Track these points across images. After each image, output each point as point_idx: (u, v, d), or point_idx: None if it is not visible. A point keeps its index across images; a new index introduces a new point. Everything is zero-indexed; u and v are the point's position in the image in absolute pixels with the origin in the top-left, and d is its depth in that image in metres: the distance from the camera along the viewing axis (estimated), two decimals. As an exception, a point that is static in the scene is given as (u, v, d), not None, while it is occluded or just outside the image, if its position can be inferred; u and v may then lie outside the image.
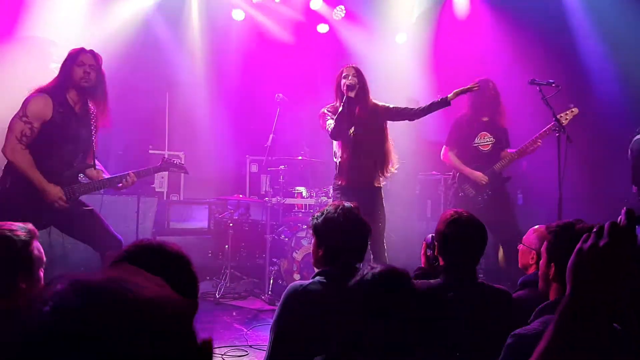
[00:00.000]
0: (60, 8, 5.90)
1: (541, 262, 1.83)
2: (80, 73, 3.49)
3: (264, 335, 4.09)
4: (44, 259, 1.87)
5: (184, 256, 1.40)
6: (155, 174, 6.71)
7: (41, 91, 3.44)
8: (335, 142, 4.29)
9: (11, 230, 1.79)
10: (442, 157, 5.14)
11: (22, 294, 1.73)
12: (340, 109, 4.08)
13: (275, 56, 7.62)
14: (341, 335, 2.10)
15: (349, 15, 7.49)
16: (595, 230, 0.96)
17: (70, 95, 3.52)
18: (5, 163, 3.45)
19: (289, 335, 2.10)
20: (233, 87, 7.58)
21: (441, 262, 2.28)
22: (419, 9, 7.34)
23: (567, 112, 4.44)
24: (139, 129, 7.05)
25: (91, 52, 3.56)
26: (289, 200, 5.74)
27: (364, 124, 4.17)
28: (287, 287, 2.21)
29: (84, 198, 3.75)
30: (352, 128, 4.17)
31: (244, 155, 7.33)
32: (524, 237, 2.71)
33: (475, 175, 4.86)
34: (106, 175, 3.77)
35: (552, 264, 1.75)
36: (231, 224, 5.68)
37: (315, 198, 5.67)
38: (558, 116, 4.30)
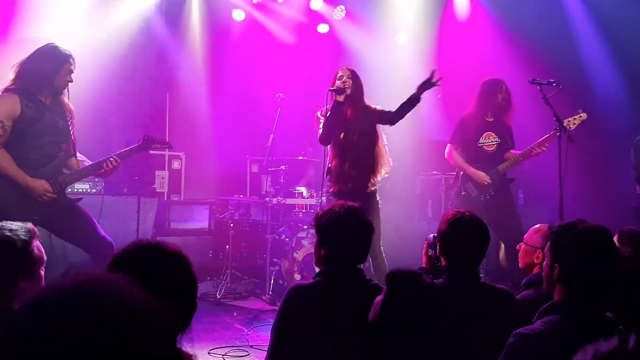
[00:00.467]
0: (59, 8, 5.90)
1: (545, 263, 1.82)
2: (63, 82, 3.55)
3: (265, 335, 4.08)
4: (45, 258, 1.87)
5: (183, 256, 1.40)
6: (156, 174, 6.71)
7: (7, 90, 3.45)
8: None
9: (11, 230, 1.79)
10: (446, 156, 5.11)
11: (22, 293, 1.73)
12: (329, 114, 4.04)
13: (275, 56, 7.61)
14: (342, 335, 2.10)
15: (349, 15, 7.48)
16: None
17: (41, 91, 3.52)
18: None
19: (290, 336, 2.10)
20: (233, 87, 7.57)
21: (443, 262, 2.27)
22: (420, 9, 7.33)
23: (575, 117, 4.41)
24: (139, 129, 7.03)
25: (72, 57, 3.58)
26: (289, 201, 5.74)
27: (355, 128, 4.12)
28: (288, 287, 2.20)
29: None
30: (342, 133, 4.12)
31: (245, 155, 7.32)
32: (526, 236, 2.69)
33: (478, 175, 4.84)
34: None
35: (556, 264, 1.74)
36: (232, 224, 5.67)
37: (316, 198, 5.67)
38: (566, 120, 4.28)
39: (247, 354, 3.78)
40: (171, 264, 1.37)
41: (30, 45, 5.30)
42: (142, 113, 6.99)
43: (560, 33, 6.47)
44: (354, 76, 4.20)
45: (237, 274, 5.73)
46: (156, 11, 6.90)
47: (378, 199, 4.31)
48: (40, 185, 3.43)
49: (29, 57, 3.51)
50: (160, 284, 1.23)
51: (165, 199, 6.71)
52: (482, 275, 2.31)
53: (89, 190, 5.42)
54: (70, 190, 3.78)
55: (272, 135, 5.56)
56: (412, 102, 4.13)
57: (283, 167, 5.65)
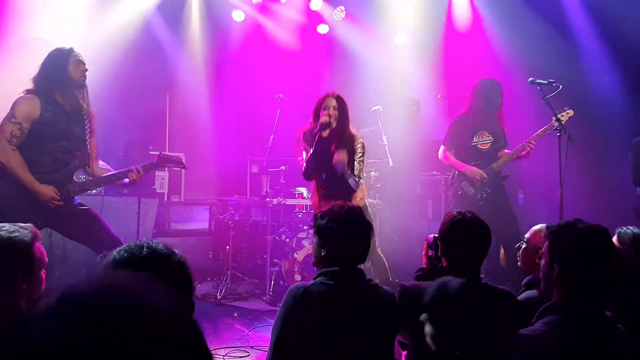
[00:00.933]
0: (60, 9, 5.91)
1: (543, 263, 1.82)
2: (79, 71, 3.53)
3: (265, 336, 4.09)
4: (46, 260, 1.88)
5: (175, 256, 1.40)
6: (156, 175, 6.71)
7: (29, 92, 3.46)
8: None
9: (13, 231, 1.79)
10: (439, 157, 5.13)
11: (23, 294, 1.73)
12: (311, 150, 3.90)
13: (275, 57, 7.61)
14: (342, 336, 2.10)
15: (349, 16, 7.48)
16: None
17: (58, 94, 3.51)
18: None
19: (290, 336, 2.10)
20: (233, 87, 7.58)
21: (444, 263, 2.27)
22: (419, 10, 7.33)
23: (563, 114, 4.42)
24: (140, 130, 7.05)
25: (78, 53, 3.58)
26: (289, 201, 5.74)
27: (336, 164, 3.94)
28: (289, 288, 2.20)
29: (82, 199, 3.74)
30: (324, 172, 4.01)
31: (245, 156, 7.32)
32: (528, 236, 2.69)
33: (470, 170, 4.85)
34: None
35: (555, 264, 1.74)
36: (232, 225, 5.67)
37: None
38: (553, 117, 4.29)
39: (248, 354, 3.78)
40: (165, 265, 1.37)
41: (31, 46, 5.33)
42: (143, 114, 7.00)
43: (560, 33, 6.47)
44: (340, 105, 4.00)
45: (238, 274, 5.73)
46: (156, 12, 6.90)
47: (367, 208, 4.23)
48: (48, 191, 3.43)
49: (40, 65, 3.53)
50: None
51: (166, 199, 6.72)
52: (483, 276, 2.30)
53: (89, 191, 5.42)
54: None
55: (272, 136, 5.57)
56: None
57: (283, 167, 5.66)
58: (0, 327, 1.54)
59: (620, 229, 2.41)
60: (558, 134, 4.17)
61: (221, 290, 5.29)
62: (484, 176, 4.82)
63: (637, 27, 5.70)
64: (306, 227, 5.33)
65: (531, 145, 4.65)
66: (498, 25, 6.90)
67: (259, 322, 4.59)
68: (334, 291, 2.14)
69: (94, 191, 5.27)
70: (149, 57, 6.85)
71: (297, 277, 5.19)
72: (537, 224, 2.70)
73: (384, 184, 5.95)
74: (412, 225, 6.60)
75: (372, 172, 5.85)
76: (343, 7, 7.40)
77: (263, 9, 7.46)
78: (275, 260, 5.40)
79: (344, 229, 2.19)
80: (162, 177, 6.86)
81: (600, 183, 6.06)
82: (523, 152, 4.70)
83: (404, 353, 2.29)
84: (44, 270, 1.86)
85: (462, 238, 2.19)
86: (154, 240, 1.45)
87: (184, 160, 6.77)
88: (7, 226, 1.82)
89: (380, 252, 4.28)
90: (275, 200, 5.51)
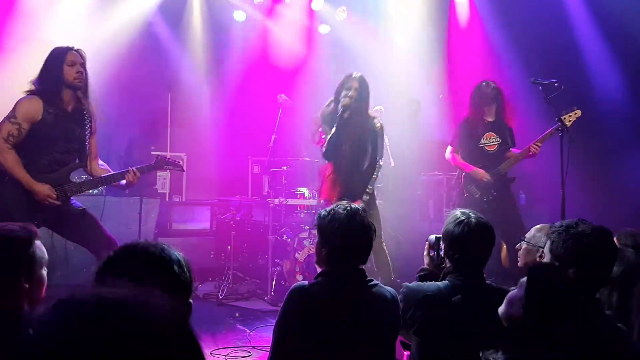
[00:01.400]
0: (63, 9, 5.92)
1: (545, 262, 1.82)
2: (73, 73, 3.49)
3: (267, 336, 4.09)
4: (46, 258, 1.88)
5: (172, 257, 1.39)
6: (158, 175, 6.72)
7: (32, 93, 3.45)
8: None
9: (12, 231, 1.80)
10: (446, 157, 5.12)
11: (25, 294, 1.74)
12: (333, 130, 4.03)
13: (276, 57, 7.62)
14: (344, 336, 2.10)
15: (351, 16, 7.48)
16: None
17: (62, 96, 3.51)
18: None
19: (291, 336, 2.10)
20: (235, 88, 7.59)
21: (448, 264, 2.27)
22: (421, 10, 7.33)
23: (571, 114, 4.40)
24: (141, 130, 7.06)
25: (78, 50, 3.55)
26: (291, 201, 5.73)
27: (356, 142, 4.11)
28: (290, 288, 2.20)
29: (83, 201, 3.74)
30: (343, 146, 4.11)
31: (246, 156, 7.33)
32: (528, 235, 2.69)
33: (477, 172, 4.84)
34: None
35: (556, 264, 1.74)
36: (233, 225, 5.68)
37: (318, 199, 5.66)
38: (561, 117, 4.28)
39: (249, 354, 3.78)
40: (161, 266, 1.37)
41: (32, 46, 5.33)
42: (144, 114, 7.01)
43: (561, 33, 6.46)
44: (362, 87, 4.13)
45: (239, 274, 5.73)
46: (157, 12, 6.91)
47: (375, 198, 4.31)
48: (45, 189, 3.42)
49: (41, 66, 3.51)
50: (152, 285, 1.24)
51: (167, 199, 6.72)
52: (485, 276, 2.30)
53: (90, 191, 5.42)
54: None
55: (273, 136, 5.57)
56: None
57: (285, 167, 5.66)
58: (3, 327, 1.54)
59: (621, 231, 2.40)
60: (560, 134, 4.16)
61: (223, 290, 5.29)
62: (490, 179, 4.81)
63: (639, 25, 5.69)
64: (307, 227, 5.33)
65: (537, 147, 4.64)
66: (499, 25, 6.89)
67: (260, 322, 4.58)
68: (334, 291, 2.14)
69: (96, 191, 5.28)
70: (150, 57, 6.86)
71: (299, 277, 5.19)
72: (539, 223, 2.70)
73: (385, 184, 5.93)
74: (413, 225, 6.59)
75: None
76: (344, 8, 7.40)
77: (264, 9, 7.46)
78: (277, 260, 5.40)
79: (345, 229, 2.19)
80: (163, 177, 6.86)
81: (602, 183, 6.05)
82: (529, 153, 4.69)
83: (406, 353, 2.29)
84: (45, 269, 1.86)
85: (466, 238, 2.18)
86: (153, 241, 1.44)
87: (185, 161, 6.83)
88: (7, 225, 1.82)
89: (385, 249, 4.29)
90: (276, 200, 5.51)
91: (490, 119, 4.91)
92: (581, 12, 6.45)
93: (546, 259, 1.82)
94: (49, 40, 5.24)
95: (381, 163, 4.30)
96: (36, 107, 3.41)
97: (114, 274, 1.29)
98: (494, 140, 4.91)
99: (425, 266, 2.53)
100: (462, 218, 2.23)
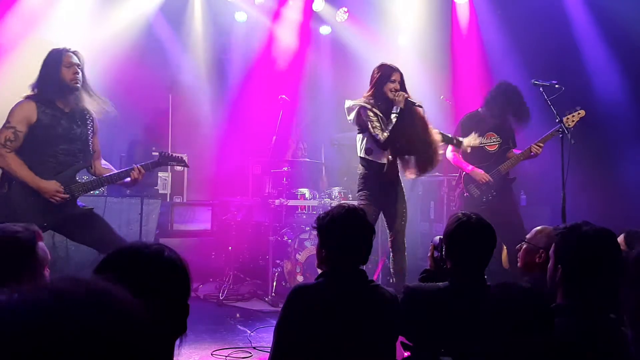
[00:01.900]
0: (63, 10, 5.92)
1: (549, 264, 1.82)
2: (70, 74, 3.49)
3: (267, 336, 4.09)
4: (49, 258, 1.88)
5: (171, 257, 1.39)
6: (159, 176, 6.72)
7: (27, 98, 3.46)
8: (365, 140, 4.24)
9: (15, 231, 1.80)
10: (447, 156, 5.11)
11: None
12: (394, 120, 4.07)
13: (278, 58, 7.62)
14: (344, 336, 2.10)
15: (352, 17, 7.49)
16: None
17: (56, 97, 3.50)
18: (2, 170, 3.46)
19: (292, 337, 2.10)
20: (236, 88, 7.59)
21: (449, 265, 2.27)
22: (422, 11, 7.33)
23: (574, 114, 4.40)
24: (142, 131, 7.07)
25: (74, 52, 3.56)
26: (292, 202, 5.73)
27: (408, 133, 4.16)
28: (291, 289, 2.21)
29: (85, 200, 3.75)
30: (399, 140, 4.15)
31: (247, 156, 7.33)
32: (528, 236, 2.69)
33: (477, 172, 4.84)
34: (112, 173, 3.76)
35: (559, 266, 1.74)
36: (234, 226, 5.68)
37: (319, 199, 5.67)
38: (564, 118, 4.28)
39: (250, 355, 3.78)
40: (162, 267, 1.36)
41: (34, 47, 5.33)
42: (145, 114, 7.02)
43: (562, 34, 6.46)
44: (403, 80, 4.23)
45: (240, 275, 5.73)
46: (159, 13, 6.92)
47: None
48: (51, 186, 3.42)
49: (40, 68, 3.52)
50: (146, 287, 1.24)
51: (168, 200, 6.73)
52: (485, 277, 2.30)
53: (92, 192, 5.43)
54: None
55: (274, 137, 5.57)
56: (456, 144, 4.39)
57: (285, 168, 5.66)
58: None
59: (629, 230, 2.40)
60: (560, 135, 4.16)
61: (223, 291, 5.29)
62: (490, 179, 4.81)
63: (638, 25, 5.69)
64: (308, 228, 5.33)
65: (539, 148, 4.63)
66: (500, 26, 6.89)
67: (261, 323, 4.58)
68: (335, 292, 2.14)
69: (97, 192, 5.28)
70: (151, 58, 6.86)
71: (299, 278, 5.19)
72: (540, 225, 2.70)
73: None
74: (414, 226, 6.59)
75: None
76: (346, 9, 7.39)
77: (266, 10, 7.47)
78: (278, 261, 5.40)
79: (343, 230, 2.19)
80: (164, 178, 6.87)
81: (603, 183, 6.05)
82: (531, 154, 4.69)
83: (407, 354, 2.29)
84: (47, 269, 1.87)
85: (467, 239, 2.18)
86: (151, 242, 1.44)
87: (186, 161, 6.83)
88: (10, 226, 1.83)
89: (404, 244, 4.31)
90: (277, 201, 5.51)
91: (492, 119, 4.90)
92: (581, 14, 6.45)
93: (551, 261, 1.81)
94: (49, 41, 5.26)
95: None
96: (29, 109, 3.41)
97: (114, 273, 1.29)
98: (494, 140, 4.91)
99: (429, 268, 2.53)
100: (463, 219, 2.23)
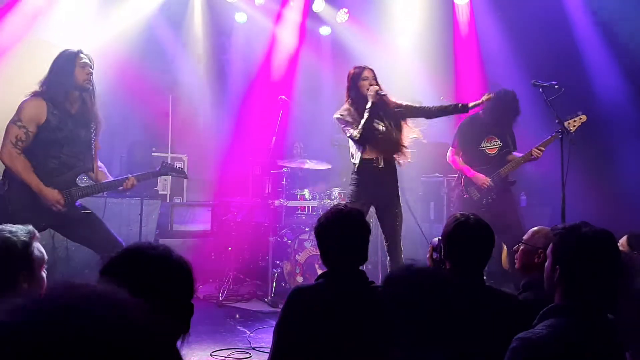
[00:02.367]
0: (63, 11, 5.92)
1: (547, 265, 1.81)
2: (84, 75, 3.52)
3: (267, 337, 4.08)
4: (46, 258, 1.88)
5: (174, 258, 1.39)
6: (159, 177, 6.71)
7: (36, 95, 3.46)
8: (352, 144, 4.32)
9: (11, 232, 1.80)
10: (447, 159, 5.12)
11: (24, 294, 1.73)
12: (366, 115, 4.12)
13: (278, 58, 7.62)
14: (344, 337, 2.10)
15: (352, 18, 7.49)
16: None
17: (69, 97, 3.52)
18: (4, 167, 3.47)
19: (292, 338, 2.10)
20: (236, 89, 7.59)
21: (448, 266, 2.27)
22: (422, 12, 7.33)
23: (575, 119, 4.39)
24: (142, 132, 7.07)
25: (87, 54, 3.59)
26: (291, 203, 5.73)
27: (388, 123, 4.25)
28: (290, 290, 2.21)
29: (84, 201, 3.75)
30: (380, 126, 4.23)
31: (247, 157, 7.33)
32: (525, 237, 2.69)
33: (478, 177, 4.84)
34: (108, 177, 3.79)
35: (557, 267, 1.73)
36: (234, 226, 5.67)
37: (319, 200, 5.67)
38: (565, 123, 4.27)
39: (250, 356, 3.78)
40: (166, 268, 1.36)
41: (34, 48, 5.33)
42: (146, 115, 7.02)
43: (562, 35, 6.46)
44: (375, 76, 4.31)
45: (240, 276, 5.73)
46: (159, 14, 6.92)
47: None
48: (53, 194, 3.44)
49: (49, 68, 3.53)
50: (152, 288, 1.24)
51: (168, 201, 6.72)
52: (485, 278, 2.30)
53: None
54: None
55: (274, 138, 5.57)
56: (462, 110, 4.32)
57: (285, 169, 5.66)
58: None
59: (632, 232, 2.40)
60: (560, 136, 4.16)
61: (223, 291, 5.29)
62: (491, 184, 4.81)
63: (638, 26, 5.69)
64: (308, 229, 5.33)
65: (540, 152, 4.63)
66: (500, 27, 6.89)
67: (260, 323, 4.58)
68: (335, 292, 2.14)
69: (97, 192, 5.28)
70: (151, 59, 6.86)
71: (299, 279, 5.19)
72: (540, 225, 2.70)
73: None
74: (414, 227, 6.59)
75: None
76: (346, 9, 7.40)
77: (266, 11, 7.47)
78: (277, 262, 5.40)
79: (340, 231, 2.20)
80: (164, 179, 6.86)
81: (603, 185, 6.05)
82: (532, 157, 4.68)
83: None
84: (44, 269, 1.86)
85: (465, 240, 2.18)
86: (155, 243, 1.44)
87: (186, 162, 6.85)
88: (5, 226, 1.83)
89: (401, 249, 4.34)
90: (277, 202, 5.51)
91: (492, 123, 4.90)
92: (582, 15, 6.45)
93: (548, 261, 1.81)
94: (49, 42, 5.27)
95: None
96: (41, 109, 3.42)
97: (115, 275, 1.29)
98: (495, 143, 4.91)
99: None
100: (461, 220, 2.23)
